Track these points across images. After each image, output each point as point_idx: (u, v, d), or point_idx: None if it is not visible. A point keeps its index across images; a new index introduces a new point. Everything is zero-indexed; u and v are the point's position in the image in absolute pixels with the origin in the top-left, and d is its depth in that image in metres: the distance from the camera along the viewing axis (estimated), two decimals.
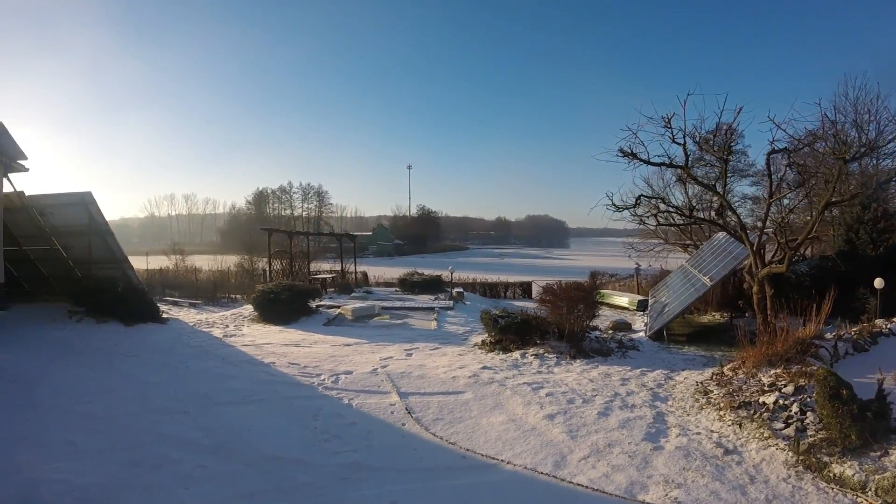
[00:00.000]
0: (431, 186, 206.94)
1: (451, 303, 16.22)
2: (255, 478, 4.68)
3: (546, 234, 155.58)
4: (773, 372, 6.73)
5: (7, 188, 11.24)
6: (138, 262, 14.88)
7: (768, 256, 12.73)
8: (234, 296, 19.89)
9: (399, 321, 13.31)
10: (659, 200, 12.76)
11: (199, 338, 10.87)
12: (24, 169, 11.51)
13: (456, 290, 18.78)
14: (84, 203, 12.32)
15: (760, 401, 6.08)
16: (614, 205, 11.08)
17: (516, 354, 9.15)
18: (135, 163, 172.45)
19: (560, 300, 10.22)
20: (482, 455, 5.19)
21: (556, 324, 9.75)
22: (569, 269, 48.23)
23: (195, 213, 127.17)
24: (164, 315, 12.76)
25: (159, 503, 4.22)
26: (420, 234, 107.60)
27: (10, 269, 12.61)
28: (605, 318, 12.26)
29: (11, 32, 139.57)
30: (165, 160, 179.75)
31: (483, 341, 10.25)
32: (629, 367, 8.38)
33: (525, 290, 23.45)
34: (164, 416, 6.09)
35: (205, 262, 29.31)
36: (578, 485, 4.56)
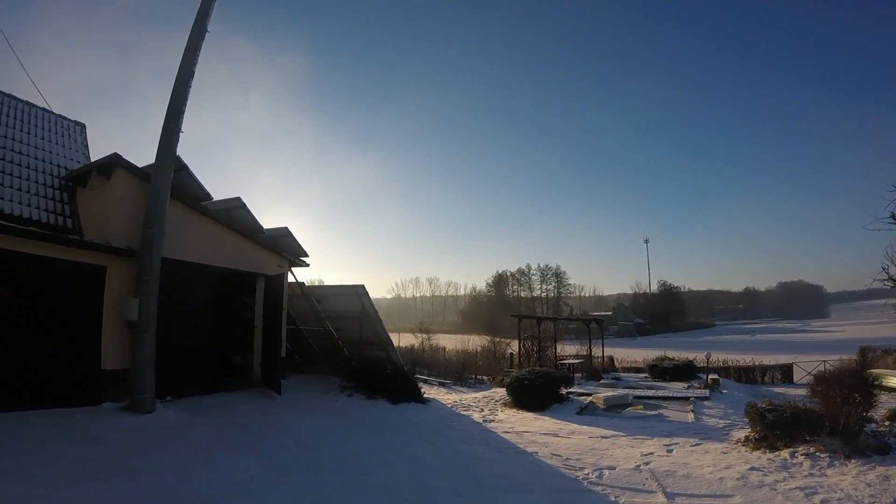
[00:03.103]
0: (671, 259, 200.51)
1: (706, 391, 15.45)
2: None
3: (801, 301, 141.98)
4: None
5: (290, 279, 14.10)
6: None
7: None
8: (480, 377, 21.25)
9: (653, 412, 12.93)
10: None
11: (460, 421, 11.89)
12: (305, 264, 14.58)
13: (711, 376, 17.81)
14: (357, 294, 14.83)
15: None
16: (892, 278, 10.70)
17: (785, 453, 8.31)
18: (383, 250, 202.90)
19: (833, 389, 9.07)
20: None
21: (828, 416, 8.67)
22: (832, 343, 43.47)
23: (438, 294, 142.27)
24: (425, 395, 14.20)
25: None
26: (662, 311, 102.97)
27: (287, 344, 15.37)
28: (879, 405, 10.56)
29: (296, 166, 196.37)
30: (411, 247, 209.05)
31: (747, 437, 9.53)
32: None
33: (785, 373, 21.74)
34: (440, 495, 6.72)
35: (448, 342, 31.90)
36: None
